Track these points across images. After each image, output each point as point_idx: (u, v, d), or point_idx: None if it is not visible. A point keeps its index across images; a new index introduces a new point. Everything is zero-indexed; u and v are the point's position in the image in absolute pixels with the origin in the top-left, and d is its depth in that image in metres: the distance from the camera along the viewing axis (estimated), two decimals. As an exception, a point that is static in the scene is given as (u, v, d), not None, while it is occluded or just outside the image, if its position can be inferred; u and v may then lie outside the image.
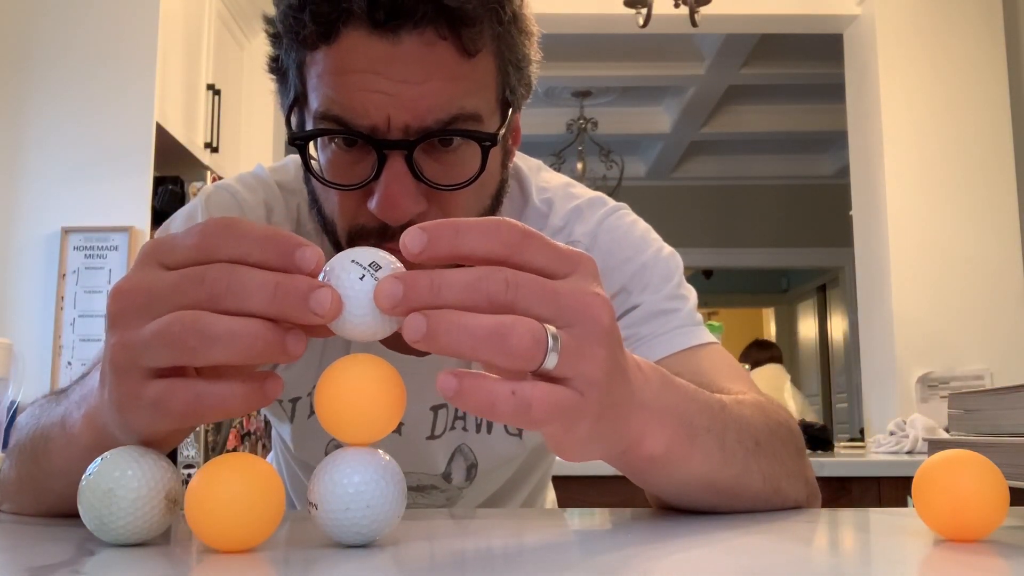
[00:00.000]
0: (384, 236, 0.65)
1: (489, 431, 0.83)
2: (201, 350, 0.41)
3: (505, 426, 0.82)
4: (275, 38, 0.69)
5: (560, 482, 1.21)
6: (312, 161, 0.68)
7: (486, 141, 0.65)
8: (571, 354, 0.43)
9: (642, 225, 0.84)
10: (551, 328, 0.42)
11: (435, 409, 0.82)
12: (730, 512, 0.60)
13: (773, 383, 4.65)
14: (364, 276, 0.42)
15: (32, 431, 0.60)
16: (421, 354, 0.77)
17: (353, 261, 0.43)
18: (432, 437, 0.83)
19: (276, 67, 0.70)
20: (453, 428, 0.83)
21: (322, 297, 0.41)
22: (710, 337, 0.78)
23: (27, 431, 0.61)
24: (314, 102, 0.65)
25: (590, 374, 0.44)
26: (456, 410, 0.82)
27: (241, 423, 3.04)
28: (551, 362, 0.42)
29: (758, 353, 4.97)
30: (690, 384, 0.56)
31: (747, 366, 5.62)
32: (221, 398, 0.43)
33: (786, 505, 0.64)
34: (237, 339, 0.41)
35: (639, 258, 0.80)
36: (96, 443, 0.50)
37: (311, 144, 0.68)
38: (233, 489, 0.42)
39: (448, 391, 0.41)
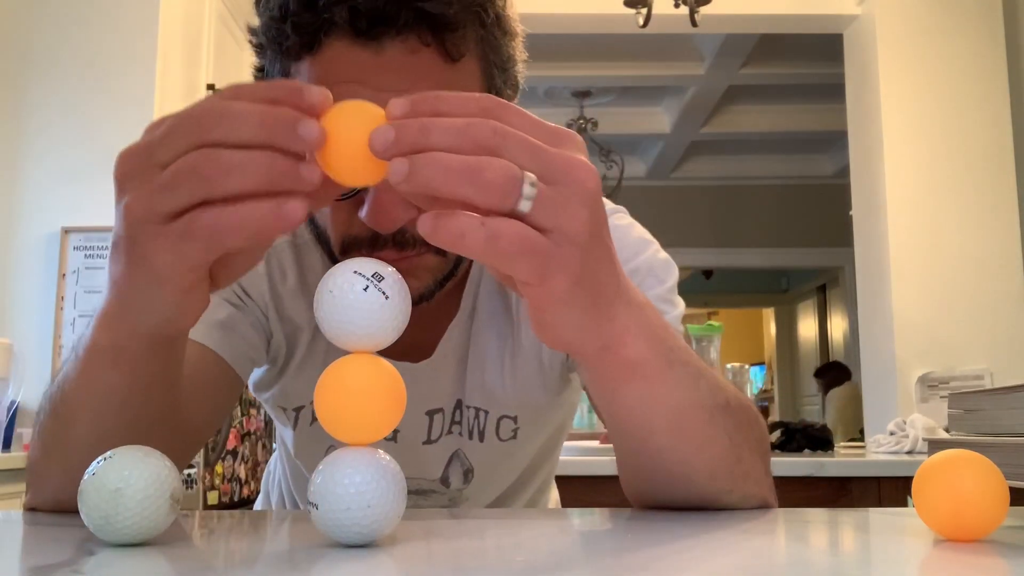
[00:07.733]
0: (375, 245, 0.66)
1: (481, 439, 0.83)
2: (218, 179, 0.43)
3: (496, 433, 0.82)
4: (259, 49, 0.69)
5: (562, 482, 1.21)
6: None
7: None
8: (549, 205, 0.44)
9: (639, 229, 0.84)
10: (530, 176, 0.43)
11: (430, 414, 0.82)
12: (690, 484, 0.59)
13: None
14: (368, 287, 0.43)
15: (50, 395, 0.61)
16: (416, 360, 0.77)
17: (356, 272, 0.43)
18: (428, 442, 0.83)
19: (262, 77, 0.70)
20: (449, 432, 0.83)
21: (311, 124, 0.43)
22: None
23: (44, 399, 0.62)
24: None
25: (568, 228, 0.44)
26: (451, 415, 0.82)
27: (241, 423, 3.04)
28: (525, 206, 0.43)
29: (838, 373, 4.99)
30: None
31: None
32: (242, 216, 0.43)
33: (747, 480, 0.62)
34: (253, 164, 0.42)
35: (635, 259, 0.80)
36: (112, 343, 0.52)
37: None
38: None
39: (425, 228, 0.42)
